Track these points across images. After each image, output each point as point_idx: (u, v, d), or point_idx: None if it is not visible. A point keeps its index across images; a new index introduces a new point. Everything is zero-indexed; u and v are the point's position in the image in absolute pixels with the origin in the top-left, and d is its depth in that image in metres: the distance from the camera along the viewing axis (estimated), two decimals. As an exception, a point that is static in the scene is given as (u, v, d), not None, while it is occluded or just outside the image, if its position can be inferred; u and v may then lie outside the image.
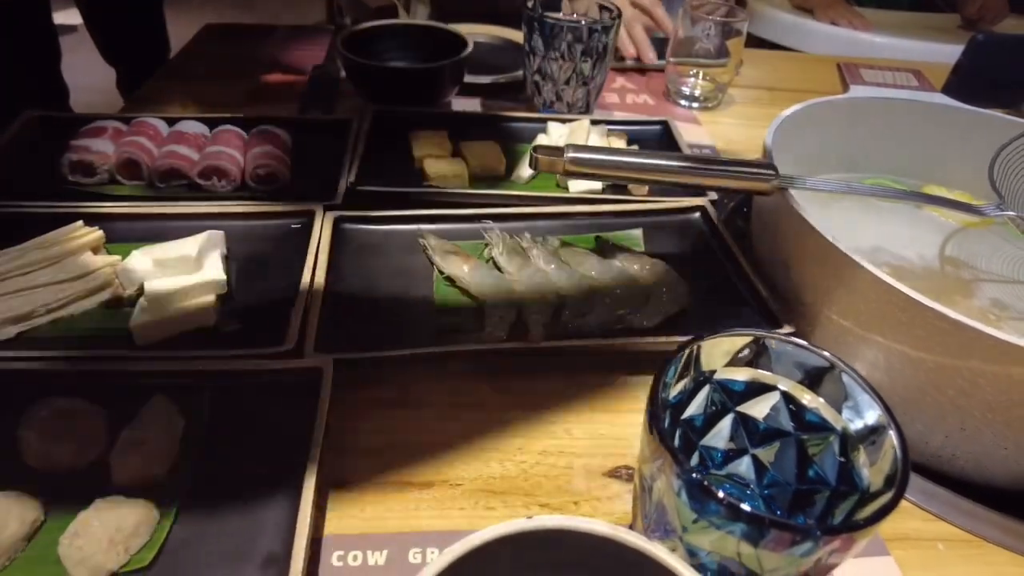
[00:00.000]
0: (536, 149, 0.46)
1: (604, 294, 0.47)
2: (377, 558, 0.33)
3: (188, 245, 0.44)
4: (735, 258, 0.51)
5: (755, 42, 0.90)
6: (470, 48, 0.67)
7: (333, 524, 0.34)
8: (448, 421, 0.41)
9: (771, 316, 0.46)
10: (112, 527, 0.30)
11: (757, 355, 0.34)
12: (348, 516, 0.35)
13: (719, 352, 0.33)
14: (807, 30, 1.08)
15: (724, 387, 0.34)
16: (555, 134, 0.62)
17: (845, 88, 0.82)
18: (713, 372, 0.33)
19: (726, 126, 0.75)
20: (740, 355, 0.34)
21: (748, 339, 0.33)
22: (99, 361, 0.38)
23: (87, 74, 1.52)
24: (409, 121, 0.63)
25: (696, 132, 0.73)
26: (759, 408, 0.34)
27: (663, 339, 0.44)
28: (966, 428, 0.39)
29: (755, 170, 0.48)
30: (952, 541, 0.37)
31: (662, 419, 0.28)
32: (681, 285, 0.48)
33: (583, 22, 0.64)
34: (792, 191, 0.47)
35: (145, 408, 0.35)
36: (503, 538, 0.27)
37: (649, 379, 0.44)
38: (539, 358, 0.44)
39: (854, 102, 0.59)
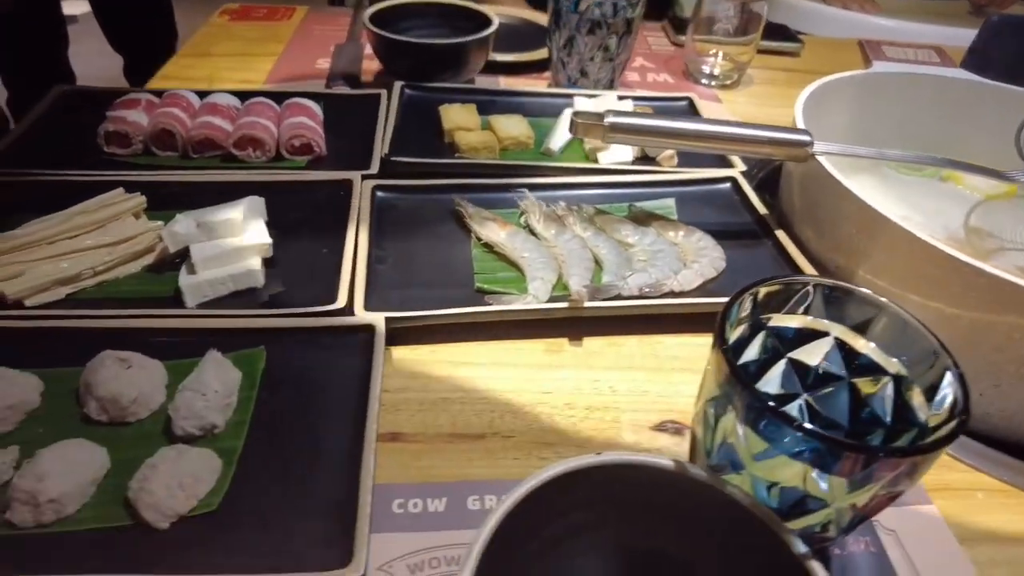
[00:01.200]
0: (576, 114, 0.46)
1: (642, 258, 0.48)
2: (437, 505, 0.34)
3: (233, 209, 0.44)
4: (766, 225, 0.52)
5: (769, 29, 0.91)
6: (495, 25, 0.67)
7: (389, 474, 0.35)
8: (494, 380, 0.41)
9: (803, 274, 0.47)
10: (179, 473, 0.31)
11: (811, 302, 0.34)
12: (403, 466, 0.36)
13: (775, 299, 0.34)
14: (819, 15, 1.09)
15: (778, 334, 0.35)
16: (582, 108, 0.62)
17: (867, 65, 0.82)
18: (768, 319, 0.34)
19: (745, 105, 0.76)
20: (795, 302, 0.34)
21: (804, 286, 0.34)
22: (156, 318, 0.39)
23: (92, 63, 1.52)
24: (437, 96, 0.64)
25: (717, 110, 0.73)
26: (812, 353, 0.35)
27: (702, 300, 0.44)
28: (1000, 384, 0.40)
29: (792, 136, 0.48)
30: (990, 491, 0.38)
31: (732, 355, 0.29)
32: (716, 250, 0.49)
33: (609, -2, 0.64)
34: (824, 159, 0.48)
35: (201, 362, 0.36)
36: (576, 471, 0.28)
37: (687, 340, 0.45)
38: (581, 319, 0.45)
39: (879, 76, 0.60)
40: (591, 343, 0.44)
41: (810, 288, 0.33)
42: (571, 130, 0.46)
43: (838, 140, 0.55)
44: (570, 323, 0.45)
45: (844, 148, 0.50)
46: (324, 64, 0.75)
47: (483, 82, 0.73)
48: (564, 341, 0.44)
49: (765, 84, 0.82)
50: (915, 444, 0.29)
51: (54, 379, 0.36)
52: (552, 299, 0.44)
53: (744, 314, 0.33)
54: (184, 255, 0.44)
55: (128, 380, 0.34)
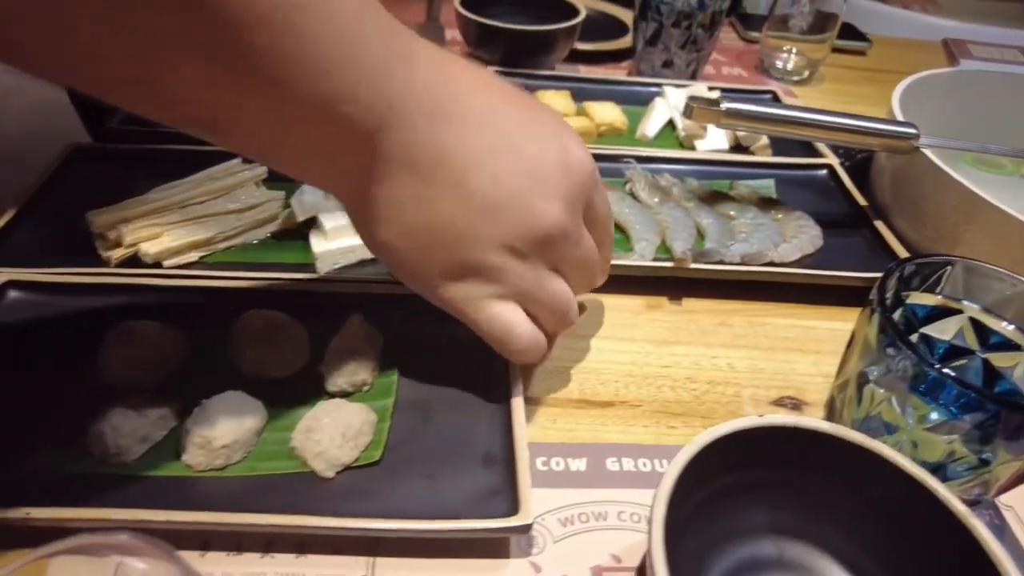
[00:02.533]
0: (692, 99, 0.47)
1: (744, 231, 0.48)
2: (578, 464, 0.35)
3: (357, 179, 0.45)
4: (860, 212, 0.53)
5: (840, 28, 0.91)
6: (583, 14, 0.68)
7: (530, 433, 0.35)
8: (613, 353, 0.42)
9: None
10: (342, 424, 0.31)
11: (944, 281, 0.35)
12: (541, 427, 0.36)
13: (916, 277, 0.34)
14: (878, 14, 1.09)
15: (911, 310, 0.35)
16: (672, 98, 0.63)
17: (953, 63, 0.82)
18: (907, 296, 0.35)
19: (819, 101, 0.76)
20: (928, 280, 0.35)
21: (940, 264, 0.34)
22: (298, 282, 0.40)
23: None
24: (526, 82, 0.64)
25: (796, 104, 0.73)
26: (944, 329, 0.35)
27: (805, 272, 0.45)
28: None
29: (899, 128, 0.49)
30: None
31: (894, 322, 0.29)
32: (814, 228, 0.50)
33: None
34: (931, 153, 0.48)
35: (345, 325, 0.37)
36: (739, 432, 0.28)
37: (792, 318, 0.46)
38: (681, 280, 0.45)
39: (971, 74, 0.60)
40: (700, 323, 0.45)
41: (946, 266, 0.34)
42: (686, 114, 0.46)
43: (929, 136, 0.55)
44: (670, 283, 0.46)
45: (948, 142, 0.50)
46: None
47: (562, 69, 0.74)
48: (664, 300, 0.46)
49: (835, 81, 0.82)
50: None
51: (200, 336, 0.37)
52: (655, 259, 0.45)
53: (890, 290, 0.33)
54: (307, 224, 0.45)
55: (276, 338, 0.35)
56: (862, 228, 0.52)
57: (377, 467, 0.32)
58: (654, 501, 0.25)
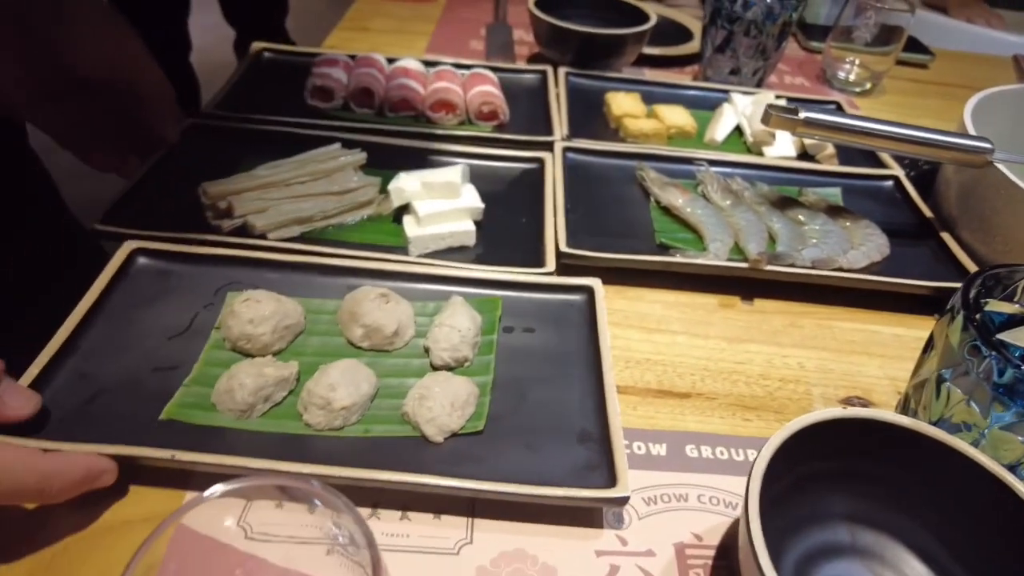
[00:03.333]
0: (771, 107, 0.48)
1: (814, 237, 0.50)
2: (659, 449, 0.37)
3: (451, 173, 0.47)
4: (926, 223, 0.54)
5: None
6: (654, 20, 0.70)
7: (613, 418, 0.38)
8: (690, 348, 0.44)
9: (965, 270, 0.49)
10: (451, 394, 0.34)
11: (1021, 291, 0.36)
12: (623, 413, 0.38)
13: (995, 287, 0.36)
14: (940, 27, 1.08)
15: (989, 317, 0.36)
16: (740, 104, 0.64)
17: (1021, 79, 0.82)
18: (986, 303, 0.36)
19: (881, 112, 0.76)
20: (1007, 290, 0.36)
21: (1020, 274, 0.36)
22: (400, 262, 0.42)
23: (208, 33, 1.58)
24: (597, 83, 0.67)
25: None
26: (1020, 337, 0.36)
27: (874, 279, 0.46)
28: None
29: (973, 143, 0.50)
30: None
31: (978, 324, 0.31)
32: (881, 237, 0.51)
33: (768, 0, 0.66)
34: (1004, 167, 0.49)
35: (450, 304, 0.39)
36: (826, 422, 0.30)
37: (859, 323, 0.47)
38: (753, 281, 0.47)
39: (1040, 90, 0.61)
40: (771, 324, 0.46)
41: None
42: (763, 121, 0.48)
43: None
44: (743, 284, 0.48)
45: (1021, 158, 0.51)
46: (476, 44, 0.78)
47: (629, 73, 0.75)
48: (736, 300, 0.47)
49: (897, 94, 0.82)
50: None
51: (312, 307, 0.40)
52: (730, 260, 0.47)
53: (971, 298, 0.35)
54: (400, 210, 0.47)
55: (389, 312, 0.38)
56: (928, 238, 0.53)
57: (480, 436, 0.34)
58: (749, 478, 0.27)
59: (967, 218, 0.54)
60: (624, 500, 0.31)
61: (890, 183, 0.59)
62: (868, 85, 0.80)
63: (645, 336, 0.44)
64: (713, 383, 0.41)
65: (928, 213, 0.55)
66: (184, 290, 0.40)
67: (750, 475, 0.28)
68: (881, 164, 0.61)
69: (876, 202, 0.57)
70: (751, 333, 0.45)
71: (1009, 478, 0.29)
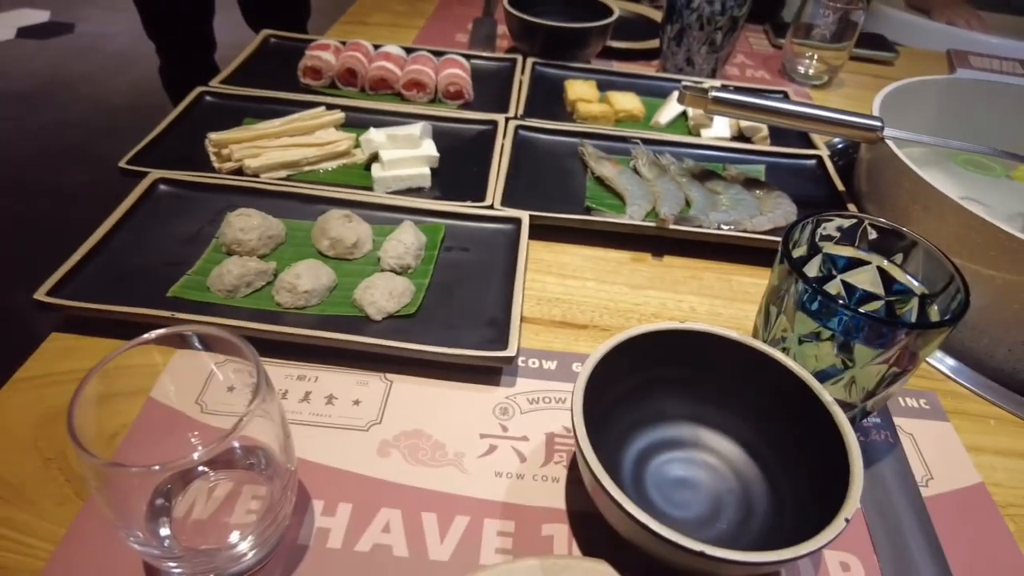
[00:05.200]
0: (685, 87, 0.62)
1: (726, 204, 0.63)
2: (549, 364, 0.48)
3: (412, 128, 0.62)
4: (839, 198, 0.66)
5: (867, 38, 1.04)
6: (616, 15, 0.84)
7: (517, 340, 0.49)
8: (596, 290, 0.55)
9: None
10: (390, 286, 0.48)
11: (859, 236, 0.48)
12: (527, 338, 0.50)
13: (831, 229, 0.47)
14: (922, 29, 1.21)
15: (831, 259, 0.48)
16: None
17: (951, 72, 0.95)
18: (823, 246, 0.48)
19: (835, 104, 0.89)
20: (846, 234, 0.48)
21: (853, 220, 0.48)
22: (365, 194, 0.57)
23: (229, 33, 1.75)
24: (560, 72, 0.81)
25: (807, 107, 0.87)
26: (858, 277, 0.48)
27: (767, 237, 0.58)
28: (1028, 340, 0.52)
29: (868, 121, 0.62)
30: (1002, 421, 0.49)
31: (790, 253, 0.43)
32: (790, 205, 0.63)
33: (719, -3, 0.80)
34: (892, 143, 0.62)
35: (401, 225, 0.53)
36: (661, 332, 0.40)
37: (757, 277, 0.59)
38: (665, 240, 0.59)
39: (957, 82, 0.73)
40: (674, 272, 0.58)
41: (859, 223, 0.47)
42: (679, 100, 0.61)
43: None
44: (655, 243, 0.60)
45: (910, 135, 0.64)
46: (461, 37, 0.94)
47: (597, 64, 0.90)
48: (648, 256, 0.59)
49: (856, 87, 0.95)
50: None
51: (292, 226, 0.54)
52: (643, 220, 0.59)
53: (805, 237, 0.47)
54: (370, 161, 0.62)
55: (351, 229, 0.52)
56: (837, 210, 0.65)
57: (412, 319, 0.48)
58: (579, 374, 0.36)
59: (870, 191, 0.66)
60: (511, 359, 0.44)
61: (813, 162, 0.72)
62: (825, 78, 0.93)
63: (559, 281, 0.56)
64: (610, 319, 0.53)
65: (841, 188, 0.68)
66: (193, 210, 0.55)
67: (580, 373, 0.36)
68: (812, 146, 0.74)
69: (798, 179, 0.69)
70: (653, 282, 0.57)
71: (812, 382, 0.38)
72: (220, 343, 0.33)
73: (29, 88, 2.28)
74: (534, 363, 0.48)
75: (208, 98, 0.70)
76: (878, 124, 0.62)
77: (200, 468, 0.35)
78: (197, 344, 0.34)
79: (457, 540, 0.37)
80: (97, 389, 0.31)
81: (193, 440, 0.37)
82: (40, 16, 2.74)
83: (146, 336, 0.32)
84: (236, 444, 0.34)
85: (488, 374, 0.46)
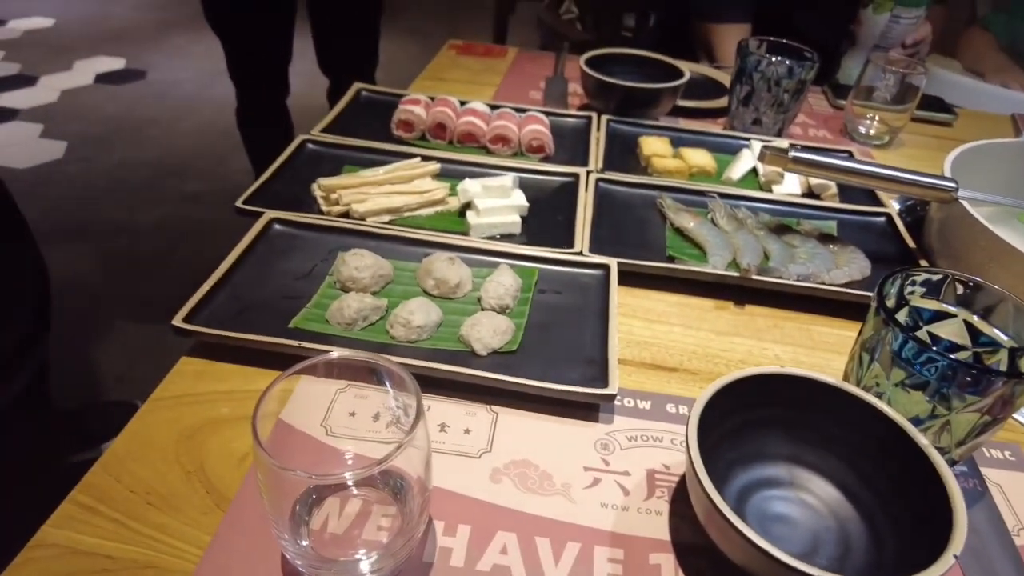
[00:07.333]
0: (766, 147, 0.66)
1: (803, 257, 0.66)
2: (644, 404, 0.52)
3: (505, 179, 0.67)
4: (910, 254, 0.69)
5: (925, 100, 1.08)
6: (687, 76, 0.90)
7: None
8: (684, 335, 0.59)
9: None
10: (493, 324, 0.52)
11: (944, 290, 0.51)
12: (620, 378, 0.52)
13: (918, 283, 0.50)
14: (978, 92, 1.25)
15: (917, 311, 0.51)
16: (757, 149, 0.82)
17: (1017, 135, 0.98)
18: (910, 299, 0.51)
19: (897, 162, 0.92)
20: (932, 288, 0.51)
21: (940, 275, 0.50)
22: (464, 239, 0.62)
23: (303, 82, 1.85)
24: (634, 129, 0.87)
25: (870, 166, 0.91)
26: (944, 329, 0.50)
27: (847, 290, 0.62)
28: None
29: (942, 182, 0.66)
30: None
31: (888, 307, 0.46)
32: (864, 261, 0.66)
33: (787, 61, 0.85)
34: (967, 203, 0.65)
35: (498, 268, 0.58)
36: (764, 375, 0.43)
37: (835, 327, 0.62)
38: (746, 290, 0.63)
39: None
40: (756, 322, 0.61)
41: (946, 279, 0.50)
42: (760, 158, 0.66)
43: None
44: (736, 291, 0.63)
45: (984, 196, 0.67)
46: (535, 94, 1.00)
47: (665, 121, 0.95)
48: (730, 304, 0.63)
49: (916, 147, 0.98)
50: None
51: (397, 266, 0.59)
52: (725, 271, 0.63)
53: (894, 292, 0.50)
54: (464, 209, 0.67)
55: (454, 270, 0.57)
56: (907, 265, 0.68)
57: (514, 355, 0.52)
58: (691, 413, 0.40)
59: (942, 248, 0.69)
60: (612, 397, 0.47)
61: (883, 219, 0.75)
62: (886, 139, 0.97)
63: (646, 325, 0.60)
64: (698, 363, 0.57)
65: (911, 244, 0.71)
66: (305, 248, 0.60)
67: (691, 412, 0.39)
68: (880, 204, 0.77)
69: (869, 235, 0.73)
70: (738, 329, 0.61)
71: (910, 428, 0.41)
72: (392, 375, 0.37)
73: (102, 131, 2.44)
74: (629, 402, 0.51)
75: (310, 146, 0.77)
76: (952, 185, 0.66)
77: (343, 484, 0.39)
78: (381, 375, 0.38)
79: (571, 565, 0.40)
80: (270, 407, 0.35)
81: (324, 460, 0.41)
82: (116, 64, 2.96)
83: (319, 359, 0.37)
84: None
85: (587, 410, 0.50)
